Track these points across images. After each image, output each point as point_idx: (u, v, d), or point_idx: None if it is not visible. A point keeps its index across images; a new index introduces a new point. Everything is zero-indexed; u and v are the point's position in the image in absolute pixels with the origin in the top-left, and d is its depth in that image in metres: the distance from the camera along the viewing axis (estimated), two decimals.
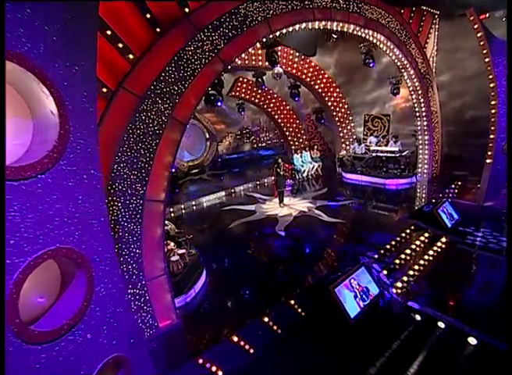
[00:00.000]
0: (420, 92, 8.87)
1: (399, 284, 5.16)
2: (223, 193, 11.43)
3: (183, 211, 10.32)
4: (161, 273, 4.37)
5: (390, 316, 4.64)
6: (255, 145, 18.45)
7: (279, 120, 14.19)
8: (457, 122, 10.86)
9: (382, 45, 7.97)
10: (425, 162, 9.98)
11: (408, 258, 5.96)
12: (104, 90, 3.88)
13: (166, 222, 6.34)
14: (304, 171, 12.47)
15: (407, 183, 10.31)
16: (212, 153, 16.79)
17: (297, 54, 10.89)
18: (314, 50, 12.41)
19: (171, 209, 10.19)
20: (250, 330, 4.27)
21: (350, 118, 13.03)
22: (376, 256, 5.99)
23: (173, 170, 13.38)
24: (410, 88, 9.02)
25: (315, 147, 13.15)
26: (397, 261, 5.85)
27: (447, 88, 11.18)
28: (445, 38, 10.63)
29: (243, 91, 13.29)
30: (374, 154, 11.00)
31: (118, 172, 3.85)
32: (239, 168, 15.95)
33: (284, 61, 10.39)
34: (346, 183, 11.52)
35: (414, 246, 6.32)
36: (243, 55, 9.21)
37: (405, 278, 5.30)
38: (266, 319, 4.45)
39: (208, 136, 16.71)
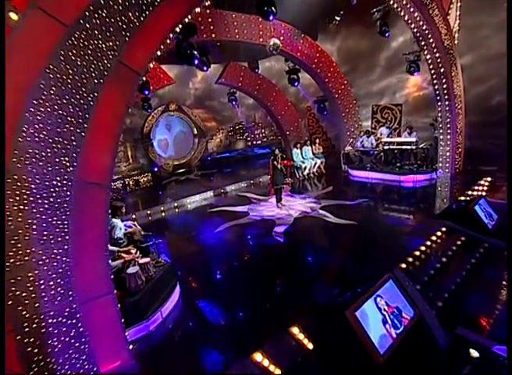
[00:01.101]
0: (442, 70, 7.75)
1: (440, 304, 3.90)
2: (211, 193, 10.41)
3: (163, 214, 9.16)
4: (105, 291, 3.09)
5: (434, 350, 3.38)
6: (249, 143, 17.41)
7: (276, 113, 13.22)
8: (480, 110, 9.82)
9: (399, 8, 6.87)
10: (447, 155, 8.83)
11: (446, 268, 4.72)
12: (14, 17, 2.65)
13: (130, 222, 5.16)
14: (305, 168, 11.38)
15: (426, 179, 9.20)
16: (201, 151, 16.15)
17: (297, 31, 9.80)
18: (316, 33, 11.44)
19: (148, 212, 9.12)
20: (238, 372, 3.00)
21: (357, 108, 11.95)
22: (404, 266, 4.74)
23: (156, 169, 13.53)
24: (431, 66, 7.90)
25: (317, 141, 12.04)
26: (433, 272, 4.60)
27: (468, 72, 10.12)
28: (465, 14, 9.64)
29: (235, 77, 12.15)
30: (386, 147, 9.84)
31: (29, 137, 2.58)
32: (231, 168, 15.20)
33: (282, 38, 9.26)
34: (353, 181, 10.43)
35: (450, 252, 5.07)
36: (236, 31, 8.27)
37: (447, 295, 4.05)
38: (260, 357, 3.17)
39: (196, 132, 15.89)
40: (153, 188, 13.21)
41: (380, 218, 6.99)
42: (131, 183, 13.25)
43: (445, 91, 8.07)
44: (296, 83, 10.61)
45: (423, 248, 5.28)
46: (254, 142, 17.38)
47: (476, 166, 9.40)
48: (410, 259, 4.98)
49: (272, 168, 7.98)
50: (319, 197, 8.83)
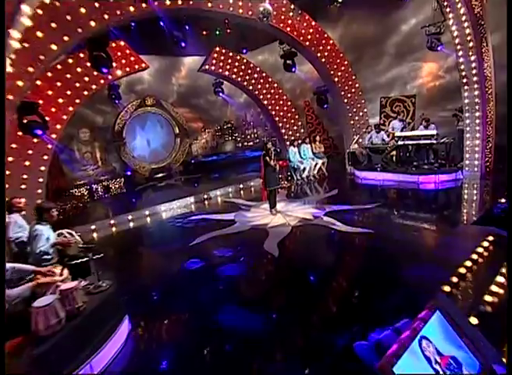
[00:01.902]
0: (471, 45, 6.75)
1: None
2: (192, 200, 9.35)
3: (131, 224, 8.16)
4: None
5: None
6: (239, 144, 16.57)
7: (270, 109, 12.36)
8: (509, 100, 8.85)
9: None
10: (476, 150, 7.78)
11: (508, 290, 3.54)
12: None
13: (65, 231, 3.97)
14: (304, 170, 10.37)
15: (450, 180, 8.14)
16: (184, 153, 15.55)
17: (292, 7, 8.83)
18: (313, 17, 10.53)
19: (111, 221, 8.00)
20: None
21: (363, 101, 11.03)
22: (448, 289, 3.59)
23: (129, 174, 12.33)
24: (457, 40, 6.90)
25: (317, 139, 11.05)
26: (489, 297, 3.43)
27: (495, 55, 9.21)
28: None
29: (223, 65, 11.20)
30: (400, 142, 8.79)
31: None
32: (219, 173, 14.20)
33: (275, 13, 8.26)
34: (361, 184, 9.43)
35: (504, 269, 3.90)
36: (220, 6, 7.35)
37: None
38: None
39: (177, 131, 15.28)
40: (125, 195, 12.28)
41: (400, 225, 5.85)
42: (100, 189, 12.13)
43: (473, 72, 7.05)
44: (293, 69, 9.66)
45: (468, 264, 4.12)
46: (245, 144, 16.48)
47: (505, 164, 8.34)
48: (455, 279, 3.82)
49: (264, 165, 6.90)
50: (322, 202, 7.77)
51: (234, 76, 11.48)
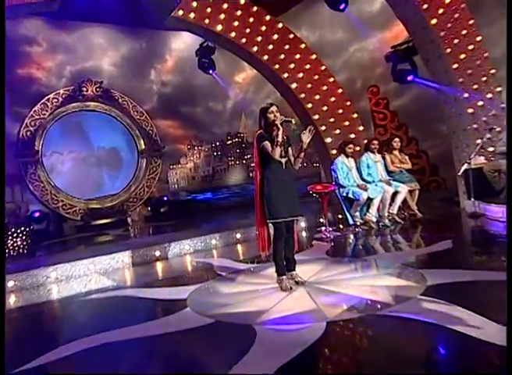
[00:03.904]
0: None
1: None
2: (129, 257, 8.35)
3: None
4: None
5: None
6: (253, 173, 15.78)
7: (303, 96, 11.42)
8: None
9: None
10: None
11: None
12: None
13: None
14: (371, 203, 8.58)
15: None
16: (151, 185, 15.16)
17: None
18: None
19: None
20: None
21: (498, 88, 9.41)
22: None
23: (36, 215, 12.40)
24: None
25: (397, 144, 9.45)
26: None
27: None
28: None
29: (211, 12, 10.39)
30: None
31: None
32: (215, 220, 13.71)
33: None
34: (499, 231, 7.58)
35: None
36: None
37: None
38: None
39: (143, 146, 15.04)
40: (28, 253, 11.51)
41: None
42: None
43: None
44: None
45: None
46: None
47: None
48: None
49: (261, 163, 5.38)
50: (415, 264, 6.09)
51: (233, 33, 10.47)
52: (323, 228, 8.48)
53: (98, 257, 8.04)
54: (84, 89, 13.18)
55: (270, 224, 5.32)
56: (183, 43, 15.29)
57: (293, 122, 5.25)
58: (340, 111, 11.54)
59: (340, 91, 11.63)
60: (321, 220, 8.86)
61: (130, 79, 14.86)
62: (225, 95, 16.11)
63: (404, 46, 10.63)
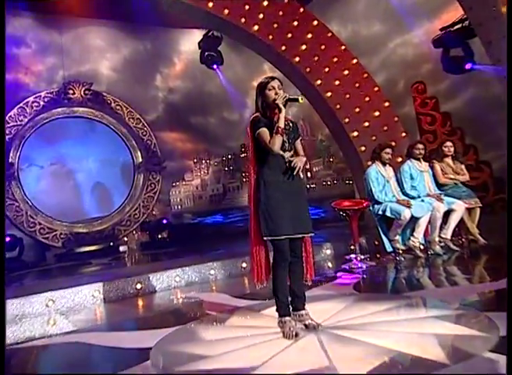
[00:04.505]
0: None
1: None
2: (99, 292, 7.88)
3: None
4: None
5: None
6: None
7: (330, 94, 11.57)
8: None
9: None
10: None
11: None
12: None
13: None
14: (416, 223, 7.99)
15: None
16: (149, 205, 15.23)
17: None
18: None
19: None
20: None
21: None
22: None
23: (7, 240, 13.16)
24: None
25: (449, 150, 8.81)
26: None
27: None
28: None
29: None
30: None
31: None
32: (224, 247, 13.03)
33: None
34: None
35: None
36: None
37: None
38: None
39: (140, 159, 14.80)
40: None
41: None
42: None
43: None
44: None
45: None
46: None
47: None
48: None
49: (259, 161, 5.05)
50: (480, 306, 5.41)
51: (255, 28, 10.70)
52: (352, 256, 7.83)
53: (63, 290, 7.37)
54: (71, 92, 13.12)
55: (270, 243, 4.52)
56: (193, 44, 15.38)
57: (301, 100, 4.56)
58: (377, 113, 11.46)
59: (376, 89, 11.58)
60: (352, 247, 8.28)
61: (133, 85, 15.00)
62: (242, 103, 16.09)
63: (457, 26, 10.44)
